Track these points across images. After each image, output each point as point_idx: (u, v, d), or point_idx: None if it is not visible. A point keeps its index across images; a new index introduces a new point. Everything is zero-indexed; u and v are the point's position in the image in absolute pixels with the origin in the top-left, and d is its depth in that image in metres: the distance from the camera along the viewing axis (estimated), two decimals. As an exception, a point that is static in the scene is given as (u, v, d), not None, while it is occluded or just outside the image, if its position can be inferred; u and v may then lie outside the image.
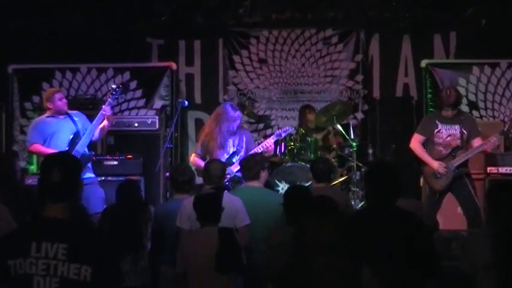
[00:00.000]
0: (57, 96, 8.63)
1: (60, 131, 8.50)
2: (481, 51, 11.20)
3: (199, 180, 8.36)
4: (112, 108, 8.76)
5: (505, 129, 8.78)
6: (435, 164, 8.37)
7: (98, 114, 8.56)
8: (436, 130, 8.46)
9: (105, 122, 8.55)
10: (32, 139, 8.59)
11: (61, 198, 3.59)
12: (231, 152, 8.94)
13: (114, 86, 8.78)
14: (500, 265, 4.51)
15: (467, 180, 8.44)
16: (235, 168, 8.73)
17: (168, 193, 9.84)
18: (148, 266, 6.76)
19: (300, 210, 4.70)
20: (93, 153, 8.79)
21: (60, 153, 4.15)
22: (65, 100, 8.66)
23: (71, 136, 8.43)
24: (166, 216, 6.98)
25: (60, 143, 8.38)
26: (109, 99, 8.63)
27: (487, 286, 4.62)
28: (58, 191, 3.58)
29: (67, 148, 8.28)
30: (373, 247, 4.45)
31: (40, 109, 10.37)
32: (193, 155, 9.20)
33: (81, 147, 8.36)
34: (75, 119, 8.59)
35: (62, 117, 8.59)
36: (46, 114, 8.68)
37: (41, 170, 3.71)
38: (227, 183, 8.23)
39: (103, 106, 8.60)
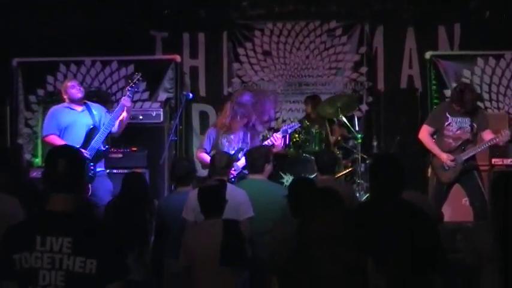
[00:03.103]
0: (69, 84, 8.68)
1: (77, 123, 8.50)
2: (486, 43, 11.19)
3: (204, 173, 8.39)
4: (131, 99, 8.72)
5: None
6: (444, 156, 8.37)
7: (118, 107, 8.59)
8: (447, 123, 8.45)
9: (124, 114, 8.55)
10: (49, 129, 8.61)
11: (66, 188, 3.60)
12: (236, 148, 8.92)
13: (134, 77, 8.72)
14: (503, 255, 4.51)
15: (476, 173, 8.45)
16: (241, 163, 8.70)
17: (172, 186, 9.85)
18: (151, 260, 6.77)
19: (304, 202, 4.71)
20: (108, 147, 8.77)
21: (64, 145, 4.17)
22: (78, 88, 8.63)
23: (87, 130, 8.42)
24: (168, 209, 6.99)
25: (75, 136, 8.37)
26: (128, 93, 8.61)
27: (490, 277, 4.62)
28: (63, 181, 3.59)
29: (82, 143, 8.27)
30: (377, 240, 4.45)
31: (45, 102, 10.43)
32: (198, 150, 9.18)
33: (97, 143, 8.35)
34: (94, 112, 8.60)
35: (80, 109, 8.60)
36: (65, 104, 8.70)
37: (46, 162, 3.72)
38: (233, 179, 8.21)
39: (123, 98, 8.60)
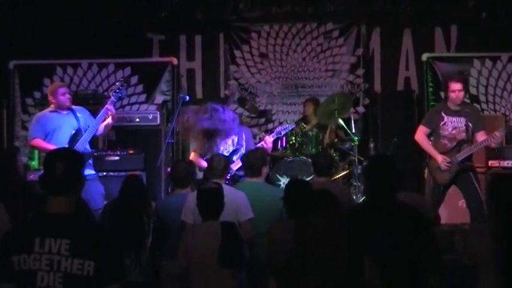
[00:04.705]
0: (60, 90, 8.61)
1: (62, 126, 8.49)
2: (482, 45, 11.21)
3: (200, 175, 8.39)
4: (114, 105, 8.71)
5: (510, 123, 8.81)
6: (439, 158, 8.38)
7: (101, 111, 8.55)
8: (442, 122, 8.48)
9: (109, 120, 8.55)
10: (34, 134, 8.58)
11: (63, 190, 3.60)
12: (230, 150, 8.93)
13: (118, 84, 8.75)
14: (501, 257, 4.51)
15: (472, 174, 8.44)
16: (235, 166, 8.71)
17: (169, 188, 9.85)
18: (149, 262, 6.77)
19: (299, 204, 4.71)
20: (93, 150, 8.78)
21: (64, 148, 4.18)
22: (68, 95, 8.62)
23: (72, 133, 8.42)
24: (166, 211, 7.00)
25: (61, 139, 8.36)
26: (112, 98, 8.61)
27: (487, 279, 4.62)
28: (61, 183, 3.60)
29: (67, 145, 8.26)
30: (372, 241, 4.45)
31: (41, 105, 10.39)
32: (192, 153, 9.20)
33: (81, 145, 8.33)
34: (78, 115, 8.57)
35: (64, 112, 8.57)
36: (49, 109, 8.66)
37: (44, 164, 3.72)
38: (227, 182, 8.22)
39: (107, 104, 8.59)
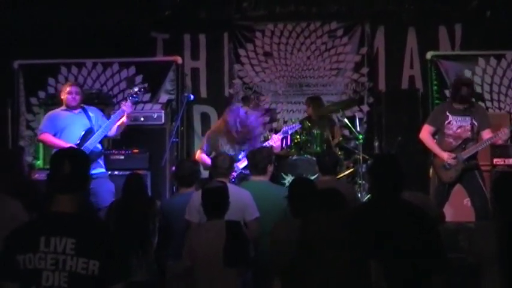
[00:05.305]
0: (66, 89, 8.72)
1: (73, 125, 8.54)
2: (487, 43, 11.19)
3: (205, 174, 8.40)
4: (131, 105, 8.76)
5: None
6: (444, 155, 8.37)
7: (116, 112, 8.63)
8: (447, 121, 8.46)
9: (124, 119, 8.58)
10: (43, 129, 8.66)
11: (70, 189, 3.61)
12: (236, 149, 8.93)
13: (136, 89, 8.78)
14: (505, 256, 4.51)
15: (477, 172, 8.43)
16: (241, 164, 8.72)
17: (174, 187, 9.85)
18: (155, 261, 6.78)
19: (304, 202, 4.71)
20: (103, 149, 8.82)
21: (71, 147, 4.19)
22: (73, 95, 8.63)
23: (83, 132, 8.46)
24: (171, 210, 7.00)
25: (71, 137, 8.42)
26: (128, 101, 8.65)
27: (491, 277, 4.62)
28: (68, 181, 3.61)
29: (77, 143, 8.30)
30: (377, 240, 4.44)
31: (46, 104, 10.43)
32: (198, 151, 9.21)
33: (92, 144, 8.38)
34: (91, 114, 8.64)
35: (76, 111, 8.64)
36: (62, 107, 8.74)
37: (51, 162, 3.74)
38: (233, 180, 8.23)
39: (123, 103, 8.63)
